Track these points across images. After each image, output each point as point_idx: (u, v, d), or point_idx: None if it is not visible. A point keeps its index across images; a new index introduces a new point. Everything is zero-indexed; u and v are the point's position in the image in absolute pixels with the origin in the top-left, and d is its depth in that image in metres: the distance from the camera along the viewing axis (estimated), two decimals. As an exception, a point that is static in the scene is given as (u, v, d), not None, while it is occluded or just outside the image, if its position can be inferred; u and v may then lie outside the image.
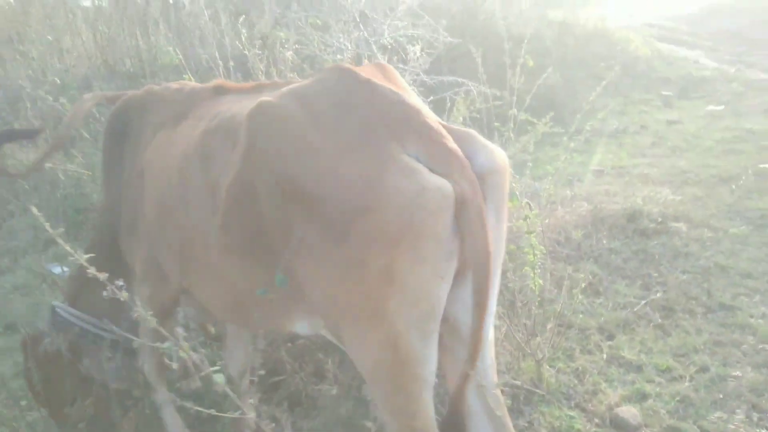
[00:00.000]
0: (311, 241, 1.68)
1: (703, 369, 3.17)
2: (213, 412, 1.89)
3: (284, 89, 1.89)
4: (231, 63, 4.18)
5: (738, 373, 3.11)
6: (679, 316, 3.65)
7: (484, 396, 1.90)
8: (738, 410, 2.88)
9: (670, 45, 10.33)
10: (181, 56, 3.78)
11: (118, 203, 2.56)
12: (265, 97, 1.82)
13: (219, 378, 1.73)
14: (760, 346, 3.31)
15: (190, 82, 2.84)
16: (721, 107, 7.43)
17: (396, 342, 1.66)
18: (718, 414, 2.85)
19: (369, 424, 2.96)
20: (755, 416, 2.84)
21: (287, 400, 3.18)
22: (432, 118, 1.71)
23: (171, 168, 2.20)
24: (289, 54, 4.15)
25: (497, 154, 1.70)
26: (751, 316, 3.55)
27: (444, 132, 1.66)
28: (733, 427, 2.77)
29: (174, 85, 2.61)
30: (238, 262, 1.96)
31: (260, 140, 1.78)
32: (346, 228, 1.59)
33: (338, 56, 4.06)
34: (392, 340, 1.66)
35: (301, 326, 2.02)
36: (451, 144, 1.63)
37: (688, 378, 3.11)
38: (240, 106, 2.03)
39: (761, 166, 5.62)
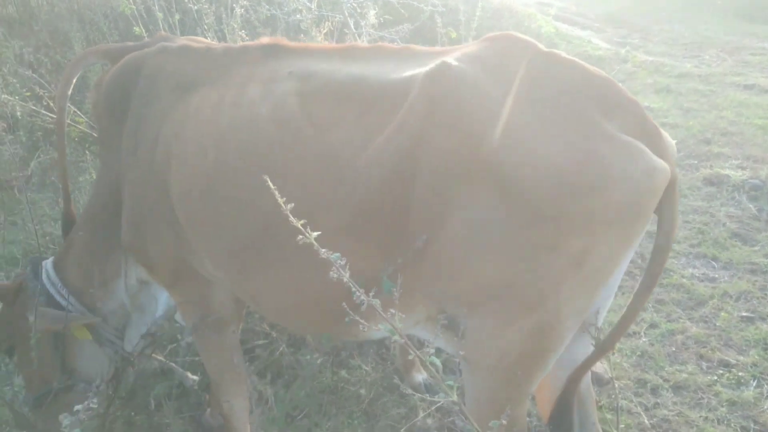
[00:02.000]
0: (480, 220, 1.54)
1: (653, 326, 3.47)
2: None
3: (457, 54, 1.66)
4: (177, 16, 3.88)
5: (682, 328, 3.44)
6: (622, 278, 3.94)
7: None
8: (689, 361, 3.19)
9: (564, 24, 10.91)
10: (133, 6, 3.42)
11: (118, 183, 2.25)
12: (447, 58, 1.62)
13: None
14: (694, 303, 3.68)
15: (207, 41, 2.48)
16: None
17: (551, 329, 1.61)
18: (674, 366, 3.15)
19: (362, 391, 2.96)
20: (704, 365, 3.17)
21: (268, 371, 3.09)
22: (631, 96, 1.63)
23: (229, 138, 1.89)
24: (239, 10, 3.91)
25: (671, 142, 1.69)
26: (683, 277, 3.92)
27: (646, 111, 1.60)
28: (686, 375, 3.07)
29: (192, 42, 2.27)
30: (353, 246, 1.68)
31: (443, 106, 1.57)
32: (545, 210, 1.48)
33: (297, 16, 3.89)
34: (547, 328, 1.61)
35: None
36: (655, 124, 1.59)
37: (643, 334, 3.39)
38: (352, 71, 1.80)
39: (664, 141, 6.14)
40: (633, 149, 1.49)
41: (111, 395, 2.55)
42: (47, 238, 4.12)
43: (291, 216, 1.20)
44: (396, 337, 1.24)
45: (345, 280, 1.19)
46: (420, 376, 3.06)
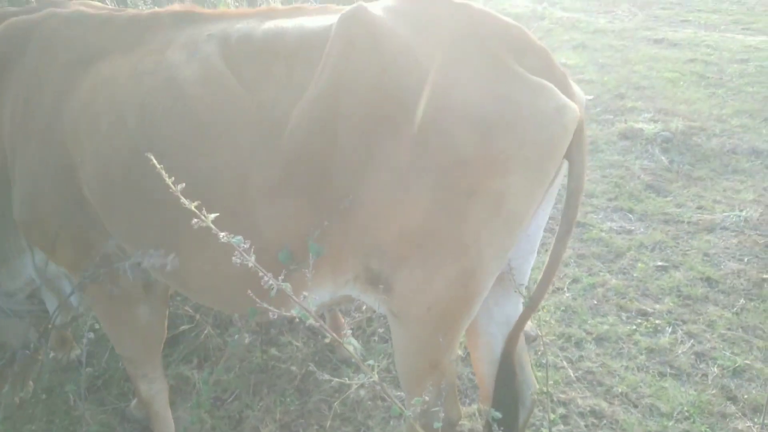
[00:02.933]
0: (401, 168, 1.53)
1: (576, 280, 3.57)
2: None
3: (373, 3, 1.65)
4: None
5: (602, 281, 3.56)
6: (544, 235, 4.03)
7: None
8: (609, 313, 3.31)
9: (482, -19, 10.94)
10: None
11: (3, 156, 2.06)
12: (363, 3, 1.59)
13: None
14: (613, 255, 3.81)
15: (100, 5, 2.28)
16: (537, 43, 8.10)
17: (473, 275, 1.62)
18: (596, 319, 3.26)
19: (294, 368, 2.92)
20: (623, 316, 3.30)
21: (194, 355, 2.99)
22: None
23: (153, 103, 1.78)
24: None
25: (579, 90, 1.71)
26: (602, 230, 4.05)
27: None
28: (607, 327, 3.19)
29: (86, 8, 2.07)
30: (285, 206, 1.68)
31: (359, 48, 1.55)
32: (460, 151, 1.47)
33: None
34: (470, 273, 1.62)
35: (322, 292, 1.83)
36: (562, 70, 1.61)
37: (566, 289, 3.49)
38: (270, 26, 1.75)
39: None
40: (543, 88, 1.52)
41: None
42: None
43: (183, 198, 1.12)
44: (310, 321, 1.19)
45: (250, 265, 1.12)
46: (351, 346, 3.03)
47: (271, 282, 1.11)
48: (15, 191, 2.06)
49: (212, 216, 1.14)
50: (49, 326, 2.46)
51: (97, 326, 3.19)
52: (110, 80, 1.87)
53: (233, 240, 1.10)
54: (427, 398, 1.38)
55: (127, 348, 2.23)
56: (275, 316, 1.15)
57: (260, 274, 1.12)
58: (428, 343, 1.75)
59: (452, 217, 1.57)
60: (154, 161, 1.18)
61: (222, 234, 1.12)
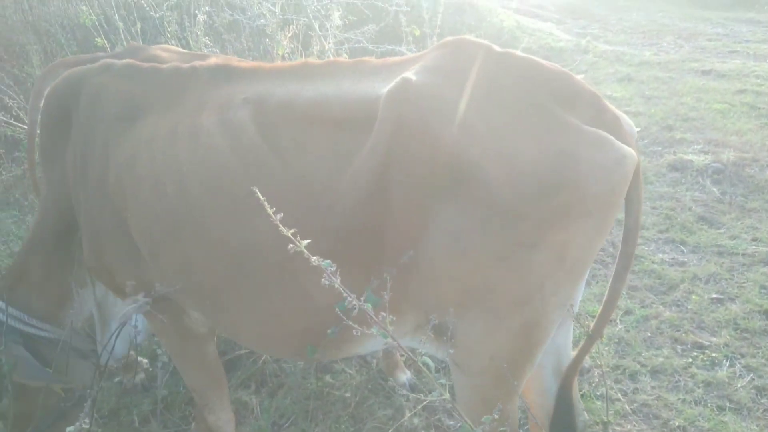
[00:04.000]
0: (459, 230, 1.54)
1: (628, 312, 3.54)
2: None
3: (414, 67, 1.65)
4: (139, 25, 3.82)
5: (655, 313, 3.52)
6: (594, 267, 4.03)
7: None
8: (664, 345, 3.28)
9: (525, 17, 11.05)
10: (94, 17, 3.35)
11: (68, 201, 2.17)
12: (407, 75, 1.59)
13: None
14: (666, 287, 3.77)
15: (178, 49, 2.42)
16: (582, 76, 8.12)
17: (537, 325, 1.63)
18: (651, 351, 3.23)
19: (348, 395, 2.97)
20: (678, 348, 3.25)
21: (251, 380, 3.08)
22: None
23: (190, 173, 1.80)
24: (201, 18, 3.87)
25: (631, 124, 1.71)
26: (654, 262, 4.02)
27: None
28: (662, 359, 3.15)
29: (132, 61, 2.12)
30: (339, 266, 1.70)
31: (408, 123, 1.55)
32: (521, 210, 1.48)
33: (261, 21, 3.87)
34: (533, 324, 1.62)
35: (374, 343, 1.87)
36: (614, 112, 1.61)
37: (618, 321, 3.46)
38: (310, 93, 1.74)
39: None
40: (600, 139, 1.51)
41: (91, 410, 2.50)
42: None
43: (281, 226, 1.20)
44: (389, 340, 1.25)
45: (336, 286, 1.20)
46: (404, 376, 3.07)
47: (354, 302, 1.18)
48: (83, 237, 2.17)
49: (305, 242, 1.22)
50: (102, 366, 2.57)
51: (159, 351, 3.32)
52: (150, 142, 1.90)
53: (323, 263, 1.18)
54: (496, 416, 1.41)
55: (195, 381, 2.31)
56: (358, 333, 1.21)
57: (344, 294, 1.19)
58: (491, 392, 1.75)
59: (514, 270, 1.57)
60: (259, 194, 1.26)
61: (314, 258, 1.20)
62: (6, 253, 4.25)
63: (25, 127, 3.64)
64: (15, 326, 2.28)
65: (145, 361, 3.24)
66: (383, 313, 1.25)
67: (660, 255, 4.12)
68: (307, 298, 1.79)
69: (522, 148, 1.50)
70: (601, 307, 1.81)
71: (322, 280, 1.22)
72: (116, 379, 3.16)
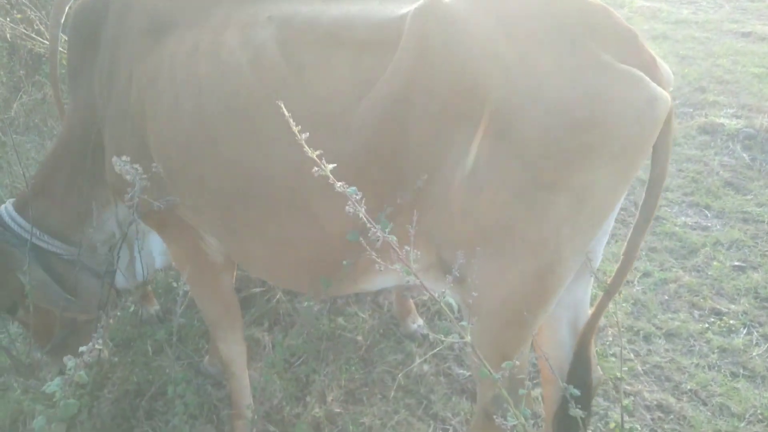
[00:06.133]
0: (478, 164, 1.48)
1: (646, 274, 3.50)
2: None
3: None
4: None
5: (674, 276, 3.47)
6: (615, 226, 3.96)
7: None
8: (681, 309, 3.24)
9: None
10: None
11: (93, 118, 2.16)
12: None
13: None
14: (687, 251, 3.71)
15: None
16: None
17: (552, 271, 1.58)
18: (667, 314, 3.19)
19: (360, 338, 2.98)
20: (696, 313, 3.21)
21: (265, 318, 3.10)
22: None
23: (208, 91, 1.77)
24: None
25: (668, 69, 1.62)
26: (676, 225, 3.94)
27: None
28: (678, 323, 3.12)
29: None
30: (345, 198, 1.66)
31: (435, 44, 1.49)
32: (545, 147, 1.42)
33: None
34: (548, 269, 1.57)
35: (388, 278, 1.83)
36: (652, 52, 1.52)
37: (636, 283, 3.42)
38: (335, 13, 1.67)
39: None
40: (633, 78, 1.43)
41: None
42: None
43: (306, 146, 1.15)
44: (411, 277, 1.20)
45: (361, 215, 1.15)
46: (415, 324, 3.07)
47: (378, 233, 1.13)
48: (105, 155, 2.15)
49: (330, 166, 1.17)
50: (113, 290, 2.58)
51: (174, 284, 3.34)
52: (172, 58, 1.87)
53: (348, 190, 1.14)
54: (517, 362, 1.38)
55: (210, 311, 2.32)
56: (381, 268, 1.17)
57: (368, 225, 1.14)
58: (501, 336, 1.72)
59: (532, 212, 1.51)
60: (284, 109, 1.22)
61: (339, 183, 1.15)
62: (27, 176, 4.26)
63: (45, 42, 3.57)
64: (35, 244, 2.30)
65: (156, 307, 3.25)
66: (407, 247, 1.20)
67: (683, 218, 4.04)
68: (318, 226, 1.76)
69: (552, 81, 1.43)
70: (621, 259, 1.76)
71: (347, 207, 1.17)
72: (131, 309, 3.20)
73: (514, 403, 1.38)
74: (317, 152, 1.18)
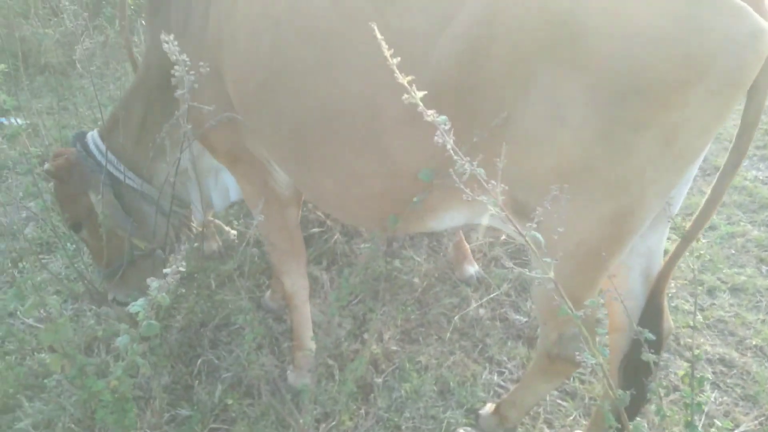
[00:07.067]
0: (561, 98, 1.43)
1: (713, 227, 3.38)
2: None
3: None
4: None
5: (742, 231, 3.35)
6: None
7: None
8: (748, 264, 3.13)
9: None
10: None
11: (170, 61, 2.20)
12: None
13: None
14: (756, 206, 3.56)
15: None
16: None
17: (631, 214, 1.53)
18: (733, 269, 3.09)
19: (416, 280, 2.98)
20: (763, 269, 3.11)
21: (323, 258, 3.14)
22: None
23: (285, 23, 1.75)
24: None
25: None
26: (746, 179, 3.78)
27: None
28: (744, 278, 3.02)
29: None
30: (422, 134, 1.53)
31: None
32: (635, 82, 1.35)
33: None
34: (627, 212, 1.53)
35: (457, 217, 1.82)
36: None
37: (701, 235, 3.30)
38: None
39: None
40: (736, 9, 1.32)
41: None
42: (99, 123, 4.15)
43: (397, 71, 1.13)
44: (497, 210, 1.18)
45: (449, 146, 1.13)
46: (472, 269, 3.07)
47: (465, 165, 1.11)
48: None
49: (421, 94, 1.15)
50: (189, 225, 2.66)
51: (236, 223, 3.41)
52: None
53: (438, 119, 1.12)
54: (602, 300, 1.36)
55: (277, 245, 2.37)
56: (469, 198, 1.15)
57: (455, 157, 1.12)
58: (572, 279, 1.66)
59: (615, 152, 1.45)
60: (378, 33, 1.18)
61: (429, 112, 1.13)
62: (91, 119, 4.38)
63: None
64: (110, 171, 2.38)
65: (233, 232, 3.34)
66: (493, 182, 1.18)
67: (754, 172, 3.87)
68: (390, 161, 1.75)
69: (644, 10, 1.34)
70: (702, 205, 1.69)
71: (435, 137, 1.14)
72: (195, 245, 3.29)
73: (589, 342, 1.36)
74: (408, 78, 1.14)
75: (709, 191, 1.68)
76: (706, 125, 1.45)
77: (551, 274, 1.21)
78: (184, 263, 1.32)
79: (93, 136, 2.46)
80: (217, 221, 3.31)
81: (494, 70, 1.50)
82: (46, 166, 2.35)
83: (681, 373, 1.81)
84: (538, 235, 1.19)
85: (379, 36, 1.15)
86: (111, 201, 2.34)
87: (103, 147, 2.42)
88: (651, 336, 1.49)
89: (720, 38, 1.32)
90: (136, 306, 1.32)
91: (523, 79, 1.47)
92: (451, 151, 1.11)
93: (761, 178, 3.80)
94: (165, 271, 1.31)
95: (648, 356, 1.49)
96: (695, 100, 1.38)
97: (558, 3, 1.40)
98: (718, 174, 1.64)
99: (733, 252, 3.21)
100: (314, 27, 1.73)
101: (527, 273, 1.25)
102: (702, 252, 3.18)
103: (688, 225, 1.77)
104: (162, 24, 2.21)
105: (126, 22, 2.63)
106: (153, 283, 1.31)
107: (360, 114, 1.71)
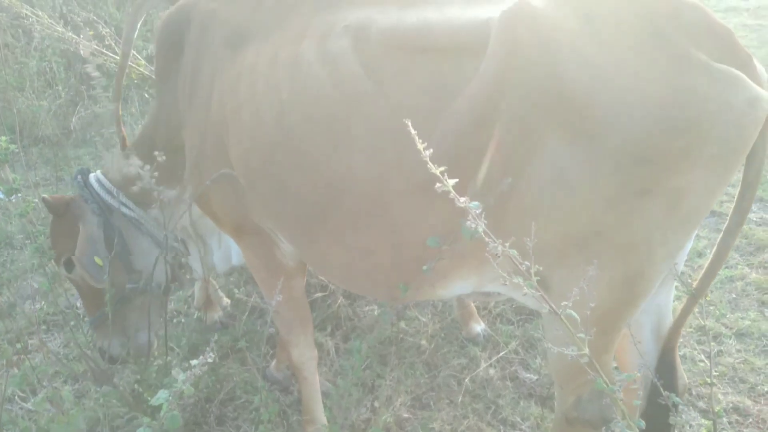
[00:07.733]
0: (567, 168, 1.46)
1: (712, 272, 3.40)
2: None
3: None
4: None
5: (741, 274, 3.37)
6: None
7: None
8: (750, 308, 3.14)
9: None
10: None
11: (177, 123, 2.25)
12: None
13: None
14: (753, 248, 3.60)
15: None
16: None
17: (641, 276, 1.55)
18: (736, 314, 3.10)
19: (423, 342, 2.96)
20: (766, 312, 3.12)
21: (327, 323, 3.12)
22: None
23: (289, 102, 1.79)
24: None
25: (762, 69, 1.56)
26: (740, 222, 3.83)
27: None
28: (748, 323, 3.03)
29: None
30: (428, 206, 1.64)
31: (524, 48, 1.46)
32: (639, 151, 1.39)
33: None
34: (638, 275, 1.54)
35: (466, 284, 1.83)
36: (748, 51, 1.48)
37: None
38: (413, 20, 1.65)
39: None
40: (731, 78, 1.37)
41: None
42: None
43: (430, 163, 1.17)
44: (530, 290, 1.18)
45: (481, 231, 1.14)
46: (478, 327, 3.05)
47: (498, 247, 1.13)
48: (186, 161, 2.22)
49: (452, 181, 1.17)
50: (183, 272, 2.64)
51: (236, 292, 3.39)
52: (252, 69, 1.90)
53: (471, 205, 1.13)
54: (638, 374, 1.36)
55: (284, 316, 2.35)
56: (506, 282, 1.15)
57: (487, 239, 1.13)
58: (588, 344, 1.69)
59: (622, 218, 1.48)
60: (411, 128, 1.22)
61: (462, 199, 1.15)
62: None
63: (116, 56, 3.67)
64: (99, 194, 2.42)
65: (226, 300, 3.32)
66: (527, 263, 1.19)
67: (748, 214, 3.92)
68: (398, 232, 1.77)
69: (645, 83, 1.39)
70: (708, 263, 1.72)
71: (468, 222, 1.16)
72: (195, 316, 3.26)
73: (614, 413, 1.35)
74: (441, 168, 1.17)
75: (714, 249, 1.71)
76: (709, 189, 1.49)
77: (586, 350, 1.21)
78: (212, 354, 1.31)
79: (97, 175, 2.50)
80: (214, 289, 3.28)
81: (500, 139, 1.53)
82: (44, 196, 2.40)
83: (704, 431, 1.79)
84: (574, 313, 1.19)
85: (413, 131, 1.17)
86: (92, 233, 2.32)
87: (104, 181, 2.44)
88: (678, 399, 1.49)
89: (718, 107, 1.37)
90: (160, 398, 1.30)
91: (530, 146, 1.50)
92: (483, 235, 1.11)
93: (755, 219, 3.85)
94: (193, 362, 1.30)
95: (676, 420, 1.48)
96: (697, 165, 1.43)
97: (561, 76, 1.44)
98: (722, 233, 1.68)
99: (734, 296, 3.23)
100: (316, 104, 1.76)
101: (551, 347, 1.25)
102: (706, 297, 3.19)
103: (694, 283, 1.79)
104: (168, 94, 2.27)
105: (120, 93, 2.68)
106: (180, 375, 1.29)
107: (365, 189, 1.73)
